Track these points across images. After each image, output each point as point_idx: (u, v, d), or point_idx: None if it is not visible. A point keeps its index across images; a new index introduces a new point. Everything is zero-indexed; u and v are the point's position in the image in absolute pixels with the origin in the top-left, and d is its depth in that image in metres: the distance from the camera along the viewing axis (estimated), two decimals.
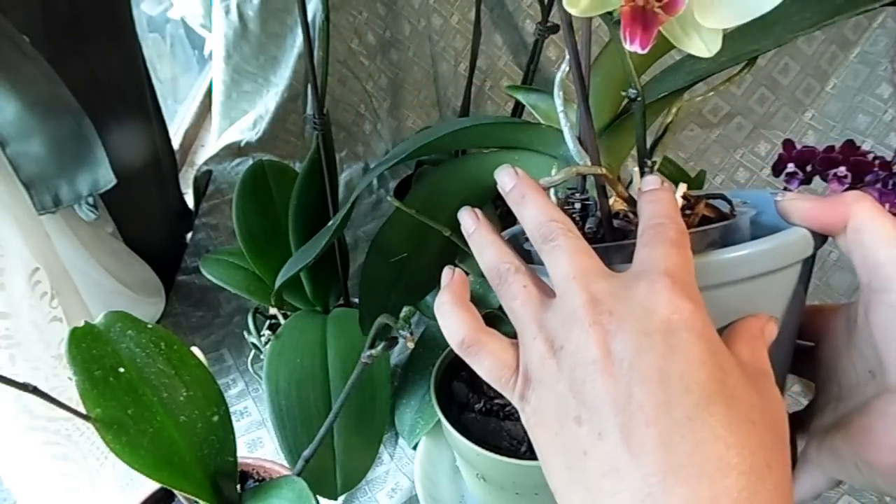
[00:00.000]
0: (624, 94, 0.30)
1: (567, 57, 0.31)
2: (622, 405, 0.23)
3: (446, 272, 0.31)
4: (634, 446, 0.22)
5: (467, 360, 0.29)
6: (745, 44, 0.34)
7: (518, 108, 0.77)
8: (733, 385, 0.23)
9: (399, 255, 0.47)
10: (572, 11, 0.25)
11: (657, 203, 0.28)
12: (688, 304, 0.24)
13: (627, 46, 0.24)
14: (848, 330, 0.29)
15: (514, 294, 0.28)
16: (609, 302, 0.25)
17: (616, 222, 0.34)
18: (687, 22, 0.25)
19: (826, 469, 0.30)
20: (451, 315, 0.29)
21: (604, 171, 0.31)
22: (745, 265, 0.28)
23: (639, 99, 0.30)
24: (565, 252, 0.27)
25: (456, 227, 0.33)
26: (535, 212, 0.29)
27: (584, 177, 0.35)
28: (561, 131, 0.34)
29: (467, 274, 0.32)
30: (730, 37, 0.25)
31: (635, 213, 0.33)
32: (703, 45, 0.25)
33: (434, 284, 0.50)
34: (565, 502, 0.25)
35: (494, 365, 0.28)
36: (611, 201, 0.34)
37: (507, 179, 0.31)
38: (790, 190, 0.39)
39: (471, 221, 0.32)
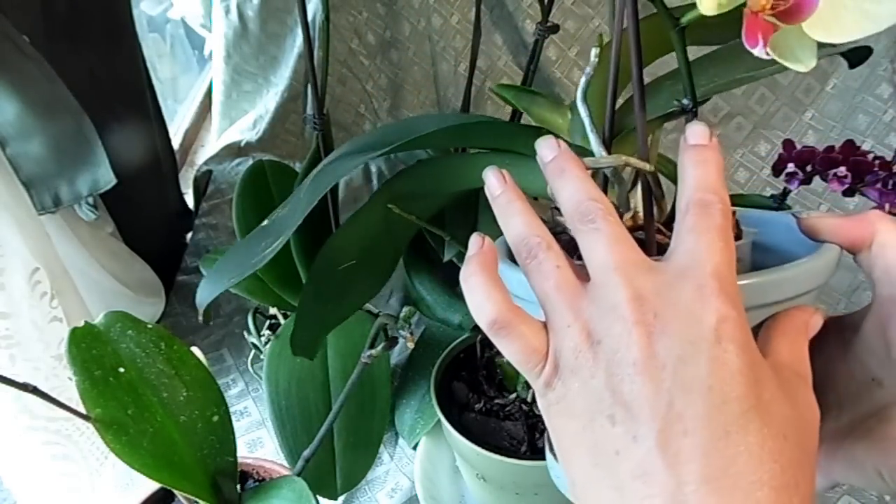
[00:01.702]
0: (677, 102, 0.31)
1: (592, 62, 0.31)
2: (661, 412, 0.22)
3: (475, 239, 0.28)
4: (670, 455, 0.22)
5: (494, 341, 0.27)
6: (761, 63, 0.35)
7: None
8: (769, 398, 0.23)
9: (348, 263, 0.44)
10: (707, 12, 0.25)
11: (703, 167, 0.26)
12: (732, 311, 0.23)
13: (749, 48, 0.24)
14: (843, 341, 0.29)
15: (547, 274, 0.26)
16: (654, 301, 0.24)
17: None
18: (791, 35, 0.25)
19: (836, 476, 0.29)
20: (480, 291, 0.27)
21: (651, 167, 0.31)
22: (790, 285, 0.28)
23: (692, 110, 0.30)
24: (605, 237, 0.25)
25: (432, 224, 0.31)
26: (574, 187, 0.27)
27: (604, 175, 0.35)
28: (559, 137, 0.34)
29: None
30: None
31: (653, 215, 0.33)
32: (799, 61, 0.26)
33: (366, 300, 0.46)
34: (586, 495, 0.24)
35: (523, 349, 0.26)
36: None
37: (547, 151, 0.28)
38: (790, 190, 0.39)
39: (496, 183, 0.29)
